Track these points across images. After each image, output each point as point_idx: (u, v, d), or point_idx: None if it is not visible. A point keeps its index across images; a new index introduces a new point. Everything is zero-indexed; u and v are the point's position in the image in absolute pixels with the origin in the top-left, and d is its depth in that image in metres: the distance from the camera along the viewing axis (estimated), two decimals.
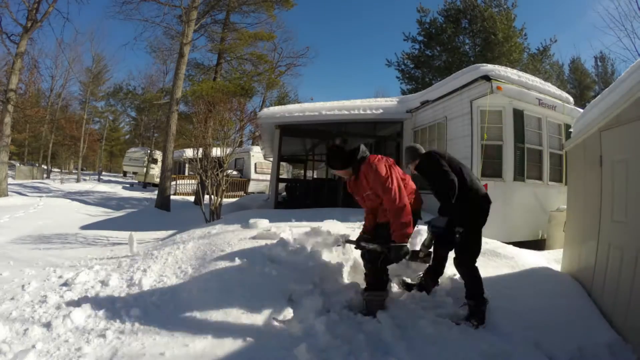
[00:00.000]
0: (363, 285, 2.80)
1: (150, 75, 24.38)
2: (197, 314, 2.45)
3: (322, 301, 2.60)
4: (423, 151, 2.93)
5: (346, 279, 3.07)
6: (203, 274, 2.96)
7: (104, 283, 3.02)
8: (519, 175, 5.40)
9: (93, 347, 2.12)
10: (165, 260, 3.40)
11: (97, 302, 2.65)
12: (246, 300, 2.55)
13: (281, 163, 9.27)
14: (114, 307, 2.59)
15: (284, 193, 10.01)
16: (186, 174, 17.16)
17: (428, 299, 2.91)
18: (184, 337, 2.21)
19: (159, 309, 2.58)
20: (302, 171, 16.40)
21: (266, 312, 2.47)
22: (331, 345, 2.16)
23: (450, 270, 2.98)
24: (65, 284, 3.05)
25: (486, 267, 3.50)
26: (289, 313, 2.48)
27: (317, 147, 11.73)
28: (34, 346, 2.08)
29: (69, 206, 10.21)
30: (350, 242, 3.01)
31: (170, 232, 6.49)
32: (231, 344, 2.16)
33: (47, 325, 2.32)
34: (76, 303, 2.62)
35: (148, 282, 2.97)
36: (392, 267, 2.77)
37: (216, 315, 2.43)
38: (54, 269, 3.54)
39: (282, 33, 18.58)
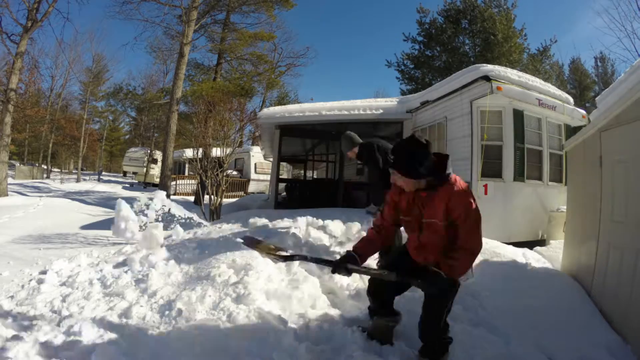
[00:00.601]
0: None
1: (150, 75, 24.39)
2: None
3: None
4: None
5: None
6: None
7: None
8: (519, 175, 5.39)
9: None
10: None
11: None
12: None
13: (281, 163, 9.27)
14: None
15: (284, 193, 10.01)
16: (186, 174, 17.15)
17: None
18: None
19: None
20: (302, 171, 16.39)
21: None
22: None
23: None
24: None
25: (486, 267, 3.50)
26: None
27: (317, 147, 11.73)
28: None
29: (69, 206, 10.19)
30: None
31: (170, 232, 6.48)
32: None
33: None
34: None
35: None
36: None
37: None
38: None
39: (282, 33, 18.58)
